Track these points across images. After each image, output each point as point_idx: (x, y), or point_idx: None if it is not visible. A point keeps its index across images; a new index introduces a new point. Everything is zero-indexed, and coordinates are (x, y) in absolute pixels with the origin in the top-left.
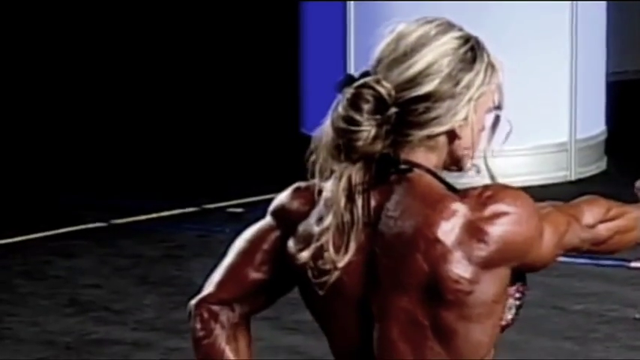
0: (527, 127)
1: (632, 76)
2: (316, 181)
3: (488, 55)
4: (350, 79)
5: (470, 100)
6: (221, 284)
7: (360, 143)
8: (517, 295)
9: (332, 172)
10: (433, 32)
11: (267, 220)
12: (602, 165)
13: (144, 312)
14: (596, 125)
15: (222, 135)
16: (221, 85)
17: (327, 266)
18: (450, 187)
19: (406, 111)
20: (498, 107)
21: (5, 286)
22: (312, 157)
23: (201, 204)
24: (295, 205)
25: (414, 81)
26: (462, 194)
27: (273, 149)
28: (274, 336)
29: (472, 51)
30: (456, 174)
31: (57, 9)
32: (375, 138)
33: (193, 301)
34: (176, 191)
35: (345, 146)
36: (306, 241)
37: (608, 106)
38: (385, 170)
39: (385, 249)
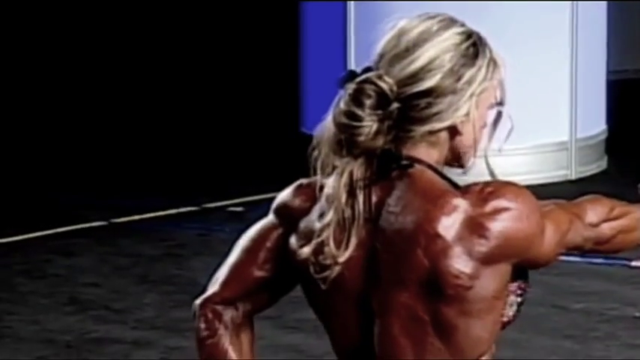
0: (528, 126)
1: (633, 76)
2: (318, 177)
3: (491, 51)
4: (352, 75)
5: (472, 95)
6: (225, 283)
7: (361, 138)
8: (519, 292)
9: (334, 167)
10: (435, 28)
11: (270, 218)
12: (602, 164)
13: (144, 311)
14: (596, 124)
15: (222, 134)
16: (221, 84)
17: (328, 261)
18: (452, 183)
19: (408, 106)
20: (500, 103)
21: (5, 284)
22: (315, 153)
23: (202, 203)
24: (297, 202)
25: (416, 76)
26: (463, 190)
27: (273, 148)
28: (275, 335)
29: (474, 47)
30: (458, 171)
31: (57, 9)
32: (377, 133)
33: (198, 301)
34: (176, 190)
35: (346, 142)
36: (307, 237)
37: (609, 105)
38: (387, 166)
39: (386, 244)
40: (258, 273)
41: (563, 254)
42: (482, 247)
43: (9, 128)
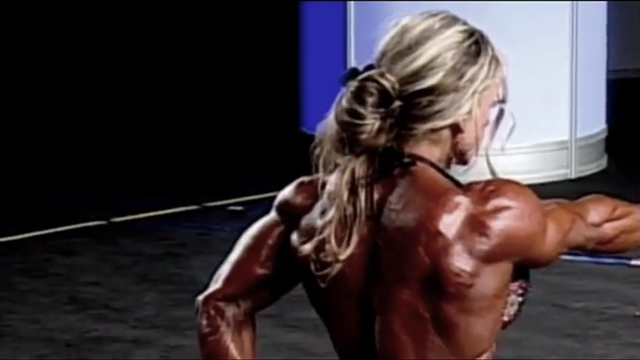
0: (528, 125)
1: (633, 75)
2: (320, 175)
3: (493, 49)
4: (354, 73)
5: (474, 93)
6: (227, 280)
7: (363, 136)
8: (520, 291)
9: (336, 165)
10: (437, 25)
11: (272, 215)
12: (602, 163)
13: (144, 310)
14: (596, 123)
15: (222, 133)
16: (222, 84)
17: (329, 259)
18: (454, 181)
19: (410, 104)
20: (502, 101)
21: (5, 283)
22: (317, 151)
23: (202, 202)
24: (299, 199)
25: (418, 74)
26: (465, 188)
27: (273, 148)
28: (276, 333)
29: (476, 44)
30: (460, 170)
31: (57, 9)
32: (379, 131)
33: (200, 297)
34: (176, 189)
35: (348, 139)
36: (309, 234)
37: (609, 104)
38: (389, 163)
39: (387, 242)
40: (260, 270)
41: (565, 254)
42: (483, 245)
43: (9, 128)
